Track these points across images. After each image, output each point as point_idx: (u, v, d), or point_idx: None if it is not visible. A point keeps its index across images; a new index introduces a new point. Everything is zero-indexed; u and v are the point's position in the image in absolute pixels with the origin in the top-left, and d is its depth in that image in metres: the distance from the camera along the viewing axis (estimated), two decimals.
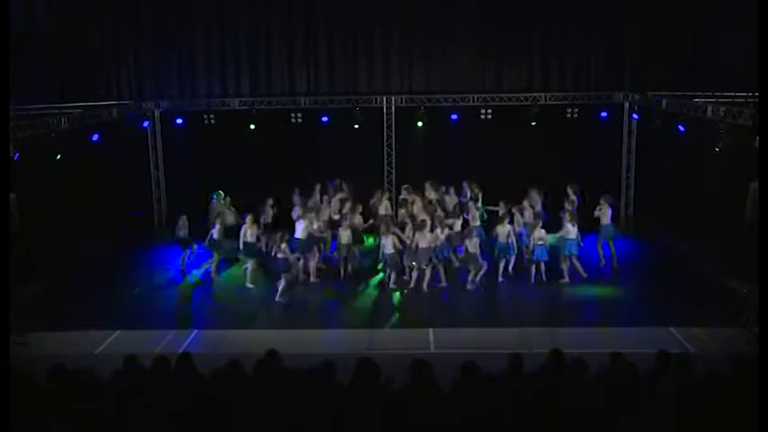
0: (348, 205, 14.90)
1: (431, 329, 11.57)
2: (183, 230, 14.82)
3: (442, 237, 13.54)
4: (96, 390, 6.11)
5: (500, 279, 13.88)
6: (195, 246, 14.95)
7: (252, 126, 17.42)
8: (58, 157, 13.63)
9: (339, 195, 15.65)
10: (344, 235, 14.01)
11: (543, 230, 13.85)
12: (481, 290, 13.42)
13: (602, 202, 14.65)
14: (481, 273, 13.46)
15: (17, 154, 11.73)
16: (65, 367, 6.34)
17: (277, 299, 13.13)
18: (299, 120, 17.50)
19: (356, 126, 17.47)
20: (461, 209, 14.88)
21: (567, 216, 14.01)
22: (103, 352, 10.87)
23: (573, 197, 14.94)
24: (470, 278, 13.41)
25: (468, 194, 15.55)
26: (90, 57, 17.58)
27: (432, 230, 13.41)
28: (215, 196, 16.06)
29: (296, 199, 15.67)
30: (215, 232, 14.33)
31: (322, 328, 12.08)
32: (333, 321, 12.49)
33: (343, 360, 6.57)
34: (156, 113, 18.18)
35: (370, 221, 15.05)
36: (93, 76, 17.69)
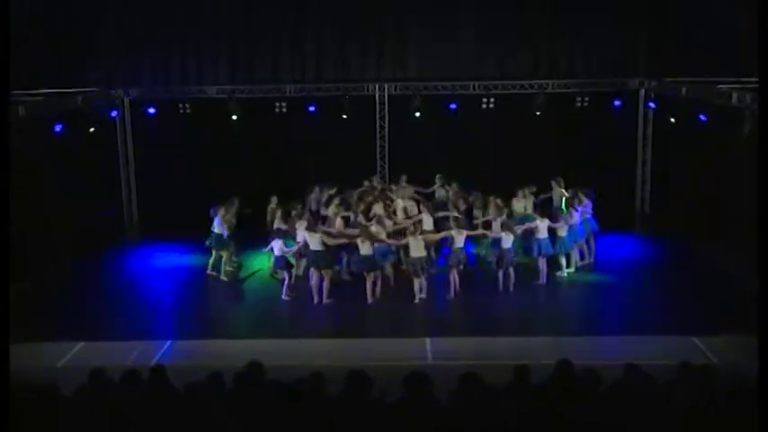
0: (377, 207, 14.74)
1: (428, 339, 11.56)
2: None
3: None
4: (57, 407, 6.07)
5: (541, 281, 13.99)
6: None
7: (232, 116, 17.36)
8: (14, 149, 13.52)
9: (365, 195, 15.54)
10: (417, 246, 13.36)
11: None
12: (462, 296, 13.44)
13: (553, 185, 15.62)
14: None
15: None
16: (22, 382, 6.29)
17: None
18: (284, 109, 17.46)
19: (345, 116, 17.44)
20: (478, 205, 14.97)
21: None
22: (66, 365, 10.81)
23: (585, 200, 14.98)
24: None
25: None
26: (52, 39, 17.46)
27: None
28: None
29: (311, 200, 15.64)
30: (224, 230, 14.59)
31: (309, 337, 12.06)
32: (321, 330, 12.47)
33: (332, 372, 6.55)
34: (126, 102, 18.08)
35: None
36: (56, 59, 17.57)
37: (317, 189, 15.94)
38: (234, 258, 15.28)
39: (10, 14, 9.66)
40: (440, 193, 16.22)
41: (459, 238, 13.41)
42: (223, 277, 14.70)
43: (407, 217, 14.79)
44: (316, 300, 13.32)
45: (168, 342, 11.72)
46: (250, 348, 10.56)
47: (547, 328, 12.21)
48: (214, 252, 14.81)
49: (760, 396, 5.41)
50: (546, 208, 15.07)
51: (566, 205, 15.22)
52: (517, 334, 11.90)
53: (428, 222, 14.33)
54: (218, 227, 14.52)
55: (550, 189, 15.89)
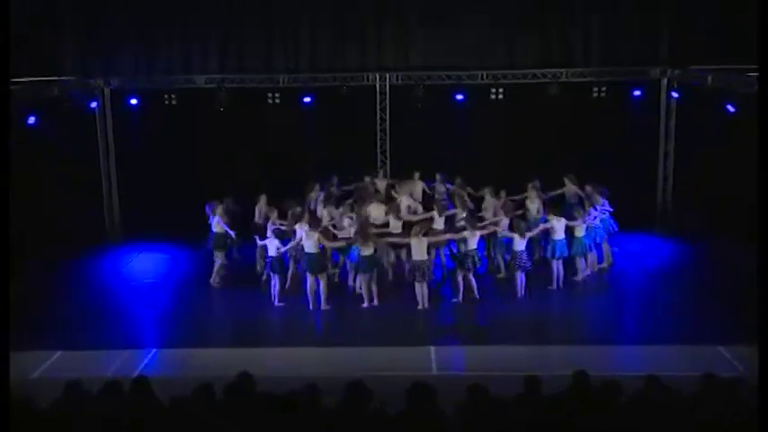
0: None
1: (432, 348, 11.57)
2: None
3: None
4: (31, 421, 6.06)
5: (555, 286, 13.99)
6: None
7: (221, 108, 17.37)
8: None
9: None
10: (420, 247, 13.29)
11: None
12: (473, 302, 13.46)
13: (566, 181, 15.70)
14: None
15: None
16: None
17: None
18: (277, 100, 17.47)
19: (343, 108, 17.43)
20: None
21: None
22: (41, 376, 10.80)
23: (601, 198, 14.96)
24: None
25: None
26: (23, 22, 17.39)
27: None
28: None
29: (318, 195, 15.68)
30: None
31: (304, 345, 12.06)
32: (316, 338, 12.48)
33: (328, 383, 6.56)
34: (106, 92, 18.09)
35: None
36: (29, 45, 17.52)
37: (317, 187, 15.94)
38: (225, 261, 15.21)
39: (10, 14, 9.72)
40: (440, 189, 16.23)
41: (473, 239, 13.41)
42: (215, 282, 14.67)
43: (413, 213, 14.81)
44: (311, 306, 13.31)
45: (152, 351, 11.73)
46: (241, 358, 10.57)
47: (561, 337, 12.22)
48: (217, 256, 14.72)
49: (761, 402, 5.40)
50: (557, 206, 15.01)
51: (579, 203, 15.21)
52: (529, 343, 11.90)
53: (439, 222, 14.36)
54: (218, 226, 14.43)
55: (562, 185, 15.85)
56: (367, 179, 16.22)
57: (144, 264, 16.40)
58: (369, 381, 6.45)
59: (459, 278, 13.53)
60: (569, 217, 14.31)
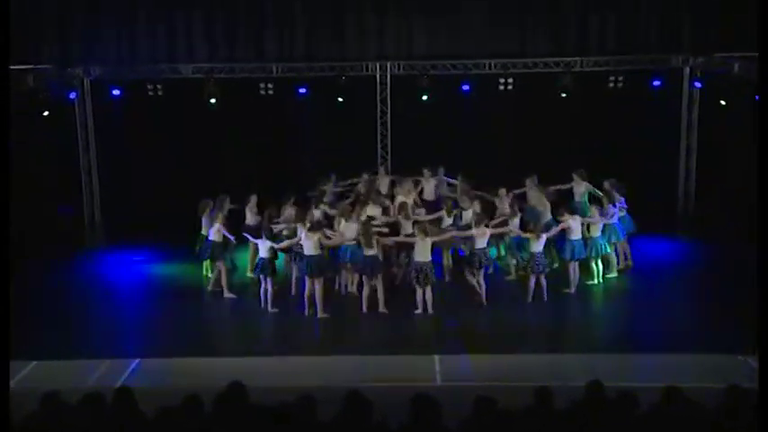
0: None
1: (437, 356, 11.59)
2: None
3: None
4: None
5: (571, 290, 14.03)
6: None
7: (210, 100, 17.40)
8: None
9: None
10: (424, 248, 13.35)
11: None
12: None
13: (575, 177, 15.46)
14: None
15: None
16: None
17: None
18: (270, 92, 17.49)
19: (341, 100, 17.46)
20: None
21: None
22: (16, 388, 10.78)
23: (618, 196, 14.98)
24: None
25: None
26: None
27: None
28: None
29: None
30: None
31: (299, 354, 12.09)
32: (312, 346, 12.51)
33: (325, 393, 6.58)
34: (86, 82, 18.12)
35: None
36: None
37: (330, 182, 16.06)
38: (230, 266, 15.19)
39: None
40: (428, 187, 16.23)
41: (482, 239, 13.44)
42: (210, 288, 14.70)
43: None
44: (307, 312, 13.34)
45: (136, 361, 11.73)
46: (231, 367, 10.63)
47: (574, 344, 12.25)
48: (214, 263, 14.68)
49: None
50: (566, 203, 15.01)
51: (591, 201, 15.22)
52: (540, 351, 11.93)
53: (448, 222, 14.43)
54: (218, 234, 14.34)
55: (570, 181, 15.82)
56: (365, 176, 16.18)
57: (126, 267, 16.41)
58: (368, 391, 6.48)
59: (473, 281, 13.54)
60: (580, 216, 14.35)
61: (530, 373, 10.61)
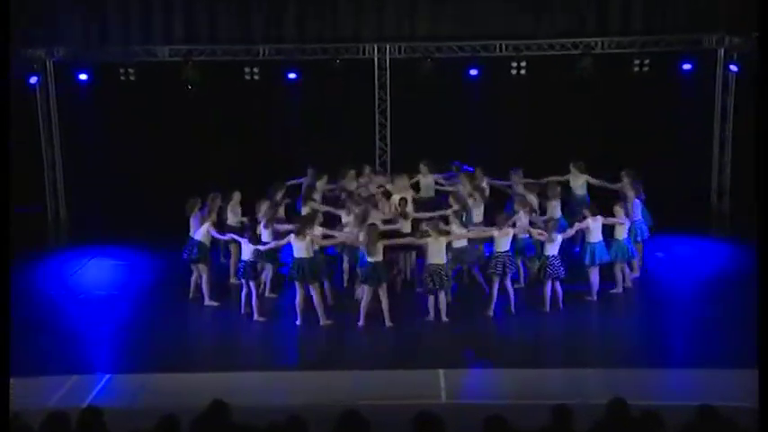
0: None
1: (442, 371, 11.61)
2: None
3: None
4: None
5: (592, 297, 14.10)
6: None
7: (189, 85, 17.43)
8: None
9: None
10: (438, 249, 13.36)
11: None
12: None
13: (573, 169, 15.44)
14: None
15: None
16: None
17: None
18: (256, 76, 17.54)
19: (335, 86, 17.49)
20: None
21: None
22: None
23: (631, 193, 15.01)
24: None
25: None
26: None
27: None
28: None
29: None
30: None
31: (288, 369, 12.12)
32: (303, 359, 12.55)
33: (317, 413, 6.61)
34: (49, 65, 18.16)
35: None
36: None
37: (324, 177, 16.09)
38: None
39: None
40: (425, 183, 16.26)
41: (504, 240, 13.47)
42: (208, 302, 14.54)
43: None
44: (299, 321, 13.38)
45: (106, 377, 11.75)
46: (213, 384, 10.67)
47: (595, 358, 12.24)
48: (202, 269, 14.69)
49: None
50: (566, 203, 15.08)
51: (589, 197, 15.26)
52: (557, 365, 11.95)
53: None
54: (207, 235, 14.31)
55: (567, 173, 15.74)
56: (351, 172, 16.07)
57: (95, 272, 16.42)
58: (365, 410, 6.49)
59: (495, 287, 13.56)
60: (573, 215, 14.37)
61: (546, 390, 10.64)
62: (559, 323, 13.52)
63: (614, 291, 14.39)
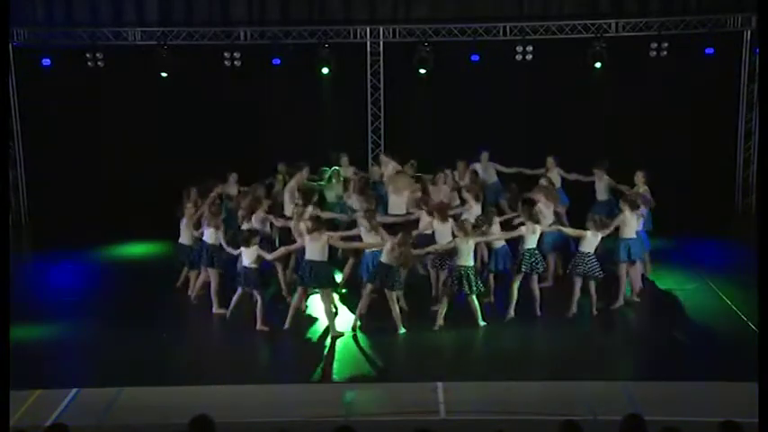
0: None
1: (440, 384, 11.68)
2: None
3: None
4: None
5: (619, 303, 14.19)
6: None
7: (163, 72, 17.47)
8: None
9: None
10: (466, 249, 13.45)
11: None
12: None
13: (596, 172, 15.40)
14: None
15: None
16: None
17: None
18: (237, 62, 17.60)
19: (325, 71, 17.57)
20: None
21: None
22: None
23: (643, 189, 15.11)
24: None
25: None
26: None
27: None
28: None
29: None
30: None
31: (277, 381, 12.15)
32: (293, 371, 12.59)
33: (308, 429, 6.65)
34: (9, 49, 18.12)
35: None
36: None
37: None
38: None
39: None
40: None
41: (532, 237, 13.58)
42: (193, 294, 14.77)
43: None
44: (287, 324, 13.45)
45: (74, 391, 11.75)
46: (194, 398, 10.71)
47: (609, 369, 12.33)
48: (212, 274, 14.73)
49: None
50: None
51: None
52: (567, 377, 11.99)
53: (477, 212, 14.55)
54: (214, 236, 14.35)
55: (572, 167, 15.90)
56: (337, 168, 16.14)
57: (63, 276, 16.47)
58: (360, 426, 6.57)
59: (515, 288, 13.64)
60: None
61: (553, 404, 10.69)
62: (569, 330, 13.56)
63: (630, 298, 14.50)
